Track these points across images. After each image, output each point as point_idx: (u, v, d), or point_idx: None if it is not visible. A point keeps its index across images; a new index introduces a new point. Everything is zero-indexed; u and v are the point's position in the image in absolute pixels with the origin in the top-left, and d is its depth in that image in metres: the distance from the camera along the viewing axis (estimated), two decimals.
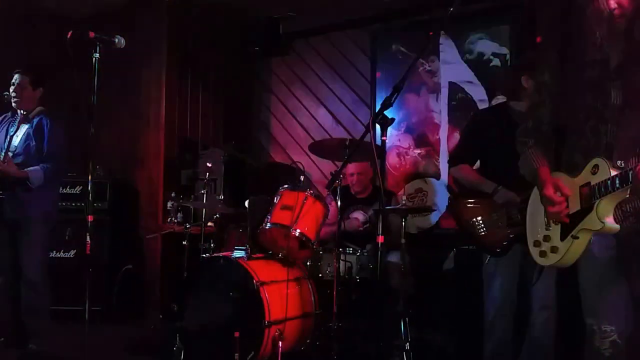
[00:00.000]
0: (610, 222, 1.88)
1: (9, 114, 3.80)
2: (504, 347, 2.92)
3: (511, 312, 2.91)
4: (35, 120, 3.47)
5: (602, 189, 1.85)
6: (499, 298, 2.91)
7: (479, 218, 2.92)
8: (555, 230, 2.03)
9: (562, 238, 2.00)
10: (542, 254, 2.09)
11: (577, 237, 1.94)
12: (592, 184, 1.89)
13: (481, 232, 2.91)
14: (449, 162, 3.26)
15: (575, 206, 1.96)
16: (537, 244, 2.13)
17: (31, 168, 3.55)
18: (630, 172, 1.76)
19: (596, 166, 1.90)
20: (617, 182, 1.80)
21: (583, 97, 1.99)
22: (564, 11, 2.12)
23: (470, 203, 3.01)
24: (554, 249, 2.03)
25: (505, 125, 2.96)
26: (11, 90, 3.68)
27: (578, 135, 2.01)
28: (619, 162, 1.90)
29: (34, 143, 3.62)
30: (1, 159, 3.46)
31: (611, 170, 1.84)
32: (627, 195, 1.84)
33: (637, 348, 2.00)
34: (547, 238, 2.07)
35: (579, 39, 2.02)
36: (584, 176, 1.94)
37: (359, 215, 4.10)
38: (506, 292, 2.90)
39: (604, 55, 1.96)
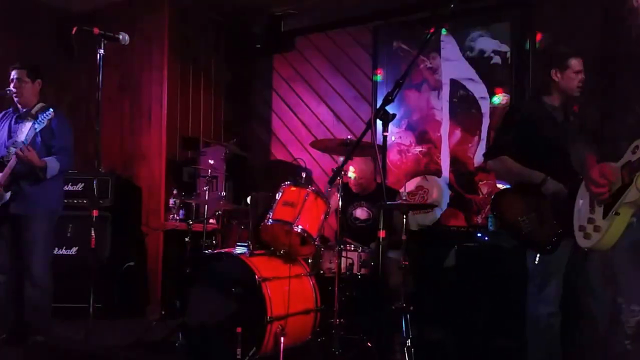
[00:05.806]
0: None
1: (10, 109, 3.82)
2: (558, 344, 2.84)
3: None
4: (41, 117, 3.46)
5: None
6: (556, 298, 2.80)
7: (526, 214, 2.81)
8: (599, 212, 2.17)
9: (605, 216, 2.13)
10: (587, 235, 2.21)
11: (618, 214, 2.06)
12: (632, 160, 2.02)
13: (529, 229, 2.80)
14: (485, 154, 3.17)
15: (617, 184, 2.09)
16: (581, 228, 2.26)
17: (48, 158, 3.56)
18: None
19: (637, 146, 2.02)
20: None
21: (628, 93, 2.12)
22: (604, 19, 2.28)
23: (515, 199, 2.90)
24: (596, 228, 2.16)
25: (541, 119, 2.94)
26: (11, 86, 3.68)
27: (622, 126, 2.13)
28: None
29: (40, 139, 3.61)
30: (16, 150, 3.43)
31: None
32: None
33: None
34: (591, 220, 2.21)
35: (621, 44, 2.17)
36: (625, 157, 2.06)
37: (361, 213, 4.10)
38: (560, 289, 2.80)
39: None
